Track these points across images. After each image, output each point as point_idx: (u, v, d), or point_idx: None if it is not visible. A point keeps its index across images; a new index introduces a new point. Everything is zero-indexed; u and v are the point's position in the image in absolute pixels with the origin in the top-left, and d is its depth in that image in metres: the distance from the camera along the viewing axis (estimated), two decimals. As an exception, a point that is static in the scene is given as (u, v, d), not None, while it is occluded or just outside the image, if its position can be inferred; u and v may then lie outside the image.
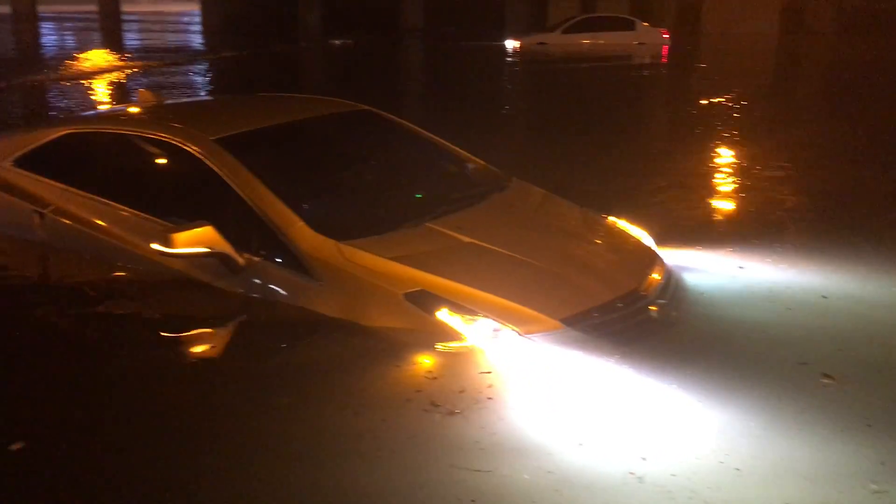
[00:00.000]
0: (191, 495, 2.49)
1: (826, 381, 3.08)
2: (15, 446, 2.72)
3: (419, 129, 4.83)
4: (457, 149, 4.73)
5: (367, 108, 4.86)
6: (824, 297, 3.91)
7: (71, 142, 4.46)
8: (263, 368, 3.27)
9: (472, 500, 2.39)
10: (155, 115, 4.63)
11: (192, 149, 3.91)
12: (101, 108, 11.72)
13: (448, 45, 24.91)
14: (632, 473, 2.49)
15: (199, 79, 16.53)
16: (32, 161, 4.44)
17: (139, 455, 2.69)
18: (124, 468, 2.63)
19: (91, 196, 4.13)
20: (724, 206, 6.02)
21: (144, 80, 15.00)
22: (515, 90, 16.27)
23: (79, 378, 3.27)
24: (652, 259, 3.91)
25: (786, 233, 5.17)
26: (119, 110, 5.20)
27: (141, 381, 3.21)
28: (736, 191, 6.38)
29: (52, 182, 4.28)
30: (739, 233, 5.16)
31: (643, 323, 3.42)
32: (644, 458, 2.57)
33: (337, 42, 26.30)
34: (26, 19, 33.17)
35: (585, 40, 23.38)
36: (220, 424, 2.87)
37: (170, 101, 5.34)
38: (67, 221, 4.16)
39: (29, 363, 3.42)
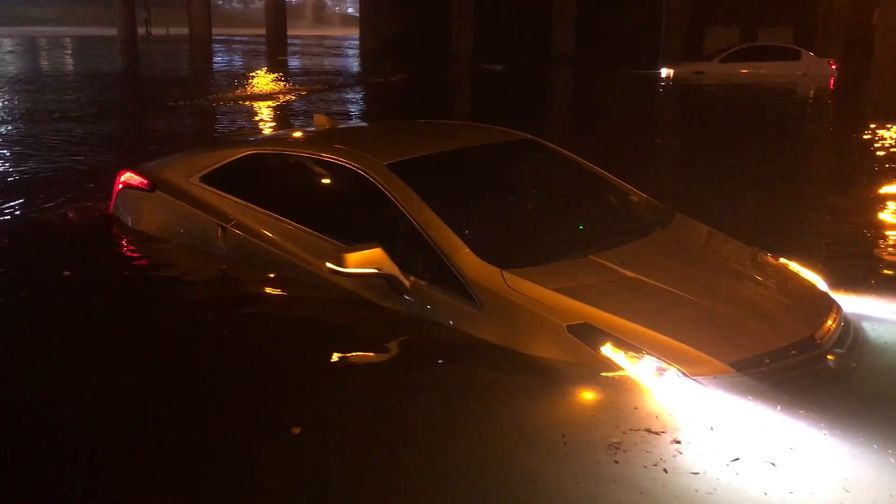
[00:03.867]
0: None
1: None
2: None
3: (581, 160, 4.82)
4: (619, 180, 4.69)
5: (530, 137, 4.91)
6: None
7: (253, 161, 4.76)
8: (426, 388, 3.33)
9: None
10: (330, 139, 4.85)
11: (366, 173, 4.07)
12: (270, 130, 12.42)
13: (601, 73, 24.74)
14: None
15: (361, 103, 17.18)
16: (217, 178, 4.75)
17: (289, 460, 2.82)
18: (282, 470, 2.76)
19: (269, 213, 4.37)
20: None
21: (308, 104, 15.74)
22: (672, 119, 15.93)
23: (247, 382, 3.45)
24: (828, 305, 3.71)
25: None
26: (297, 133, 5.49)
27: (311, 392, 3.35)
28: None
29: (235, 198, 4.57)
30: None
31: (819, 373, 3.24)
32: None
33: (490, 67, 26.69)
34: (201, 41, 35.56)
35: (745, 70, 22.65)
36: (377, 433, 2.96)
37: (343, 126, 5.59)
38: (247, 236, 4.42)
39: (201, 366, 3.64)
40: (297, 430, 2.97)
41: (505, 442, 2.89)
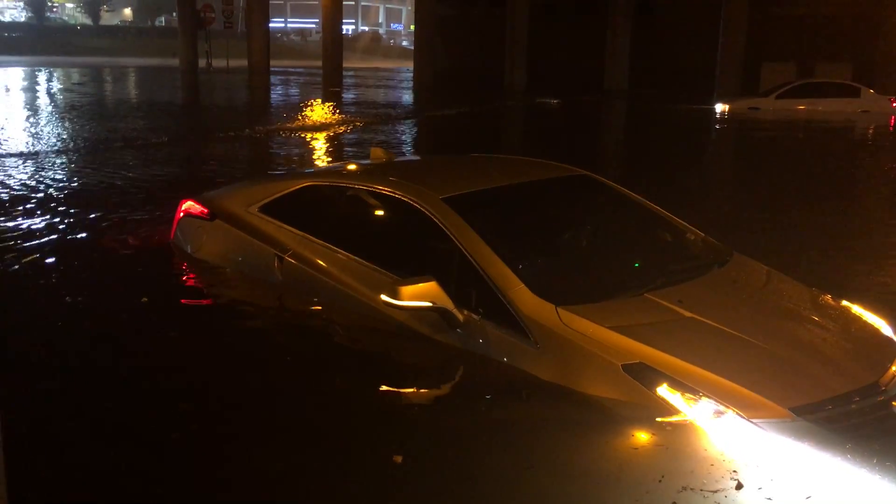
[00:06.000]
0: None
1: None
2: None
3: (637, 196, 4.79)
4: (676, 218, 4.65)
5: (586, 173, 4.90)
6: None
7: (311, 193, 4.84)
8: (478, 423, 3.31)
9: None
10: (386, 172, 4.92)
11: (421, 206, 4.10)
12: (326, 161, 12.62)
13: (655, 108, 24.62)
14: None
15: (416, 136, 17.35)
16: (275, 208, 4.84)
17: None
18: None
19: (326, 245, 4.43)
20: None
21: (363, 135, 15.97)
22: (727, 155, 15.76)
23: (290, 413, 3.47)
24: (893, 350, 3.60)
25: None
26: (354, 166, 5.59)
27: (358, 421, 3.36)
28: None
29: (292, 229, 4.64)
30: None
31: (884, 420, 3.15)
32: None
33: (544, 102, 26.78)
34: (260, 73, 36.37)
35: (802, 106, 22.34)
36: (429, 473, 2.96)
37: (399, 159, 5.66)
38: (303, 266, 4.48)
39: (248, 393, 3.67)
40: (398, 459, 2.97)
41: (562, 483, 2.86)
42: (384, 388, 3.68)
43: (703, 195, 9.84)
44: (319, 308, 4.42)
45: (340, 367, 3.93)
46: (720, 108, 23.69)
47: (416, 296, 3.62)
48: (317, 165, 11.91)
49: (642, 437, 3.12)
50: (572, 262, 4.16)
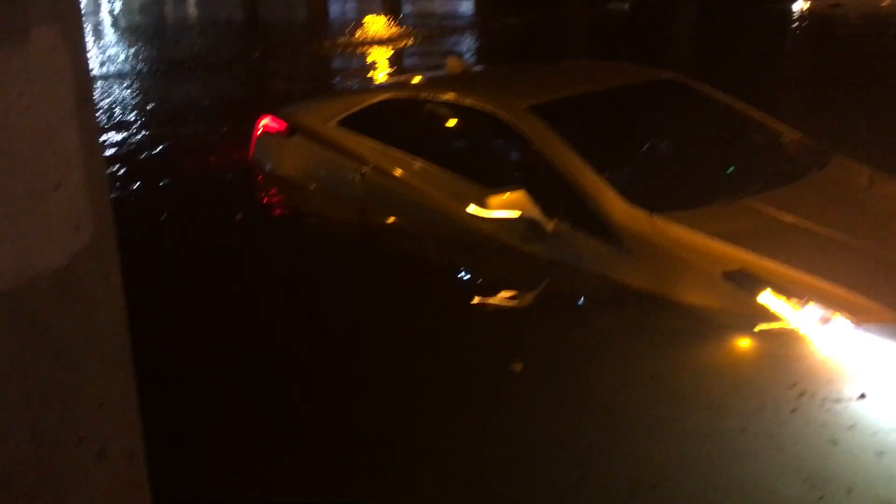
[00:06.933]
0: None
1: None
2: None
3: (730, 98, 4.58)
4: (771, 119, 4.44)
5: (677, 75, 4.70)
6: None
7: (391, 106, 4.75)
8: (584, 334, 3.28)
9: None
10: (467, 82, 4.79)
11: (506, 116, 4.00)
12: (394, 75, 12.44)
13: (731, 7, 23.43)
14: None
15: (482, 47, 16.91)
16: (355, 122, 4.77)
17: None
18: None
19: (408, 157, 4.37)
20: None
21: (428, 48, 15.67)
22: (811, 55, 15.01)
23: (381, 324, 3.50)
24: None
25: None
26: (434, 77, 5.46)
27: (465, 332, 3.37)
28: None
29: (373, 142, 4.58)
30: None
31: None
32: None
33: (614, 6, 25.71)
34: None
35: (886, 2, 21.03)
36: (551, 382, 2.95)
37: (478, 69, 5.50)
38: (385, 180, 4.44)
39: (334, 305, 3.73)
40: (518, 368, 2.99)
41: (690, 389, 2.84)
42: (478, 300, 3.64)
43: (794, 96, 9.38)
44: (403, 221, 4.39)
45: (431, 280, 3.92)
46: (799, 5, 22.49)
47: (505, 205, 3.57)
48: (388, 79, 11.75)
49: (750, 344, 3.06)
50: (665, 168, 4.02)
